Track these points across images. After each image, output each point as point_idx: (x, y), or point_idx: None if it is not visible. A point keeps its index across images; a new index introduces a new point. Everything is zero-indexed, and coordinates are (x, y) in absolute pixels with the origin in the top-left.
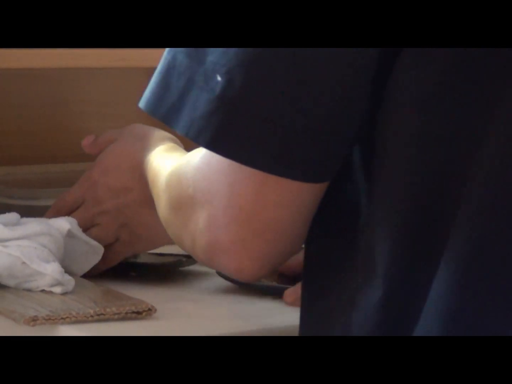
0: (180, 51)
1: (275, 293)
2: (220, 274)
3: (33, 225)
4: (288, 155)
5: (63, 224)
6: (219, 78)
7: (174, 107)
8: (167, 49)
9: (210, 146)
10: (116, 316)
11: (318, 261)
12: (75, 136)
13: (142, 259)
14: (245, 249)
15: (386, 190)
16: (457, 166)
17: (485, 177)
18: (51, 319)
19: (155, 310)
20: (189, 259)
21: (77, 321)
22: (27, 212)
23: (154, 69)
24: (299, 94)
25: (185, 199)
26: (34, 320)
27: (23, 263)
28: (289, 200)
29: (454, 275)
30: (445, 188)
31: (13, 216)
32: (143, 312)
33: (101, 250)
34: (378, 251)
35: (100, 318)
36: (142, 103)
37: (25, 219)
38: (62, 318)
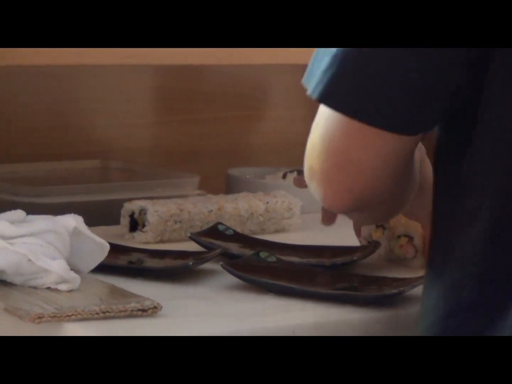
0: None
1: (280, 291)
2: (225, 267)
3: (39, 222)
4: (373, 104)
5: (69, 221)
6: None
7: (310, 69)
8: None
9: (320, 99)
10: (121, 314)
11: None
12: (82, 133)
13: (148, 263)
14: (329, 180)
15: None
16: None
17: None
18: (57, 317)
19: (161, 307)
20: (196, 261)
21: (83, 318)
22: (33, 209)
23: (161, 66)
24: (398, 62)
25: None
26: (39, 318)
27: (29, 260)
28: (371, 144)
29: None
30: None
31: (19, 213)
32: (149, 310)
33: (107, 247)
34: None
35: (106, 315)
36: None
37: (31, 217)
38: (67, 316)
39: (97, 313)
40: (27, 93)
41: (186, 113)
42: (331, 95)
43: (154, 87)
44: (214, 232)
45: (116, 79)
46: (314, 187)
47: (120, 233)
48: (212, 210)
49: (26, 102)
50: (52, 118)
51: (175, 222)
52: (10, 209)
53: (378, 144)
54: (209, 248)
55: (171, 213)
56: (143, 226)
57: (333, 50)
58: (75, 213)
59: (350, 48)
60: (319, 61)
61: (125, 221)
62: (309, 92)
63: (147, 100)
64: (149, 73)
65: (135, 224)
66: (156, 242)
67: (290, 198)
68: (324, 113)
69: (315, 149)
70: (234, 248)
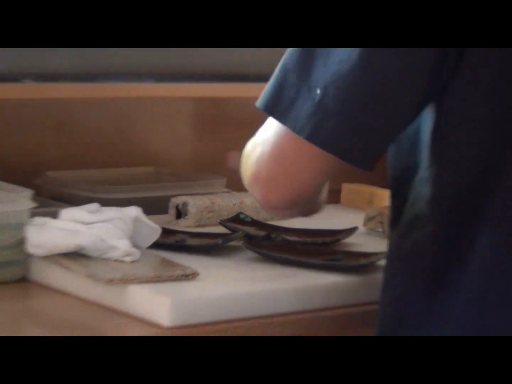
0: (291, 71)
1: (285, 262)
2: (245, 245)
3: (110, 212)
4: (326, 130)
5: (132, 211)
6: (318, 91)
7: (286, 110)
8: (278, 68)
9: (309, 139)
10: (170, 278)
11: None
12: (141, 147)
13: (189, 241)
14: (275, 184)
15: (446, 170)
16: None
17: None
18: (123, 280)
19: (199, 274)
20: (224, 240)
21: (141, 281)
22: (105, 203)
23: (198, 98)
24: (367, 108)
25: (252, 147)
26: (110, 281)
27: (103, 240)
28: (319, 161)
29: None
30: (498, 166)
31: (95, 205)
32: (190, 275)
33: (159, 230)
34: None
35: (159, 279)
36: (260, 104)
37: (104, 208)
38: (131, 279)
39: (152, 277)
40: (101, 118)
41: (217, 133)
42: (316, 134)
43: (193, 114)
44: (237, 219)
45: (166, 107)
46: (257, 189)
47: (168, 220)
48: (235, 203)
49: (100, 125)
50: (119, 136)
51: (209, 212)
52: (88, 203)
53: (325, 163)
54: (234, 231)
55: (206, 205)
56: (185, 215)
57: (313, 98)
58: (135, 205)
59: (331, 98)
60: (300, 100)
61: (172, 211)
62: (295, 130)
63: (189, 124)
64: (190, 103)
65: (179, 214)
66: (195, 227)
67: None
68: (272, 128)
69: (265, 158)
70: (251, 231)
